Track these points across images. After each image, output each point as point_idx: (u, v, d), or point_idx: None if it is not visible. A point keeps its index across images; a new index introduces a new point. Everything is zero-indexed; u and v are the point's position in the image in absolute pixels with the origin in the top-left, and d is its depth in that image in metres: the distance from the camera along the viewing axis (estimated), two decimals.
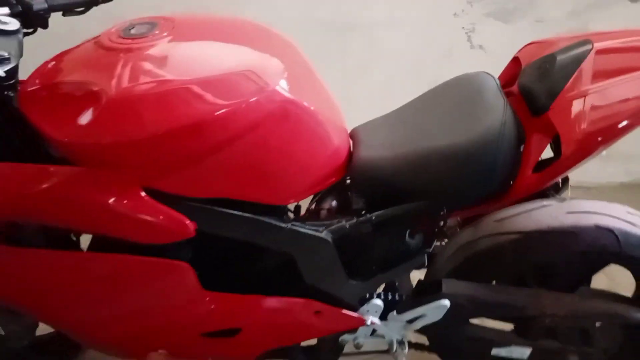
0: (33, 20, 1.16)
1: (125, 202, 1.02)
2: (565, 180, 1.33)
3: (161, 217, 1.04)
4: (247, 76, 1.05)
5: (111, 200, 1.01)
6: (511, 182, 1.14)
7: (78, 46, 1.17)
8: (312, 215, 1.21)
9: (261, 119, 1.04)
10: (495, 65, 1.33)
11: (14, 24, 1.08)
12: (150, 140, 0.99)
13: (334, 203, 1.22)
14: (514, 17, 2.24)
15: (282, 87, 1.07)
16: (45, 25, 1.20)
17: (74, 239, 1.25)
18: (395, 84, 2.25)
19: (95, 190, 1.02)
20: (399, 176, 1.14)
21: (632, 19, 2.18)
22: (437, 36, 2.25)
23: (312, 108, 1.11)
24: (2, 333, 1.45)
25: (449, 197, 1.15)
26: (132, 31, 1.11)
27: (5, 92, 1.06)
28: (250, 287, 1.22)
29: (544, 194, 1.30)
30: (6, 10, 1.11)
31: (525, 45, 1.24)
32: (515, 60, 1.24)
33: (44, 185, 1.02)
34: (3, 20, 1.07)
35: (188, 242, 1.11)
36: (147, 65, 1.05)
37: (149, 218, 1.04)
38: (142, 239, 1.07)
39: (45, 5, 1.16)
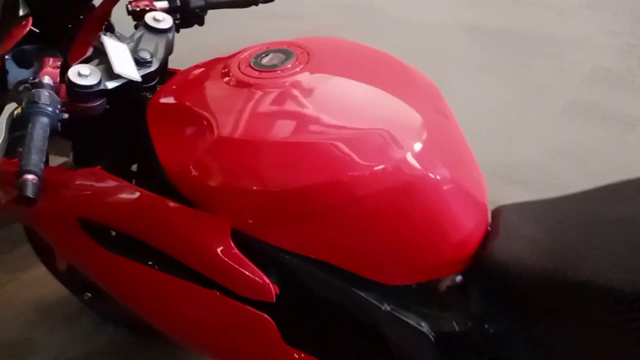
0: (190, 17, 1.17)
1: (214, 245, 0.93)
2: None
3: (245, 271, 0.93)
4: (380, 136, 0.89)
5: (200, 240, 0.94)
6: None
7: (209, 62, 1.11)
8: (416, 301, 1.01)
9: (383, 190, 0.88)
10: None
11: (167, 22, 1.09)
12: (257, 192, 0.88)
13: (445, 293, 1.01)
14: None
15: (414, 154, 0.89)
16: (201, 22, 1.21)
17: None
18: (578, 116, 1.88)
19: (188, 227, 0.95)
20: (540, 289, 0.89)
21: None
22: None
23: (444, 186, 0.91)
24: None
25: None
26: (264, 61, 1.00)
27: (144, 93, 1.04)
28: (330, 351, 1.08)
29: None
30: (165, 4, 1.13)
31: None
32: None
33: (141, 210, 0.98)
34: (158, 17, 1.08)
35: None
36: (272, 108, 0.94)
37: (233, 268, 0.94)
38: (224, 283, 0.98)
39: (203, 3, 1.17)
